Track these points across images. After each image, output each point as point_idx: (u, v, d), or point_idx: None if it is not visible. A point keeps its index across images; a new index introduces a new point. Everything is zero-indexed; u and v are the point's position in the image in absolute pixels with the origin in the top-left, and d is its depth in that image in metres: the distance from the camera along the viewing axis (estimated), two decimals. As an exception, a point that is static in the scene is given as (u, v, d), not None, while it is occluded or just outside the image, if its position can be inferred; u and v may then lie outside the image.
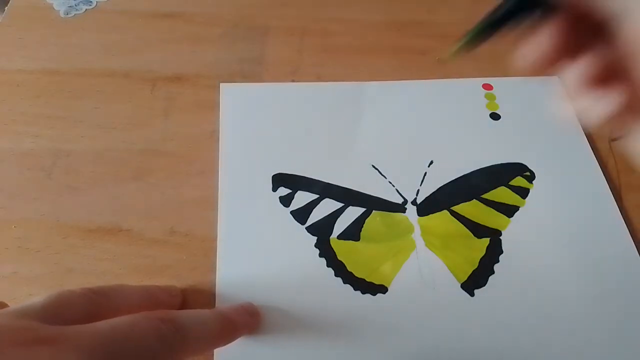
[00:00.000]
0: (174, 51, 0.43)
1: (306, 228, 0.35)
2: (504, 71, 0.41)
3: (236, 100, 0.40)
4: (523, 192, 0.37)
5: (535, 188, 0.37)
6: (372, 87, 0.41)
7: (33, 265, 0.33)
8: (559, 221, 0.35)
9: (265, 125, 0.39)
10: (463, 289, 0.33)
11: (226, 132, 0.38)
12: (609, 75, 0.20)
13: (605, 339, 0.31)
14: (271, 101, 0.40)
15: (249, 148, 0.38)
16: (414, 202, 0.36)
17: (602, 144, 0.39)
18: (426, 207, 0.36)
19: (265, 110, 0.40)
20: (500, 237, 0.34)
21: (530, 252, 0.34)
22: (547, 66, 0.21)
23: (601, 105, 0.20)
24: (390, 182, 0.36)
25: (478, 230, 0.35)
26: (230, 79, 0.41)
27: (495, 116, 0.40)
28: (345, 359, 0.30)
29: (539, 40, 0.20)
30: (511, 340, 0.31)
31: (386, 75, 0.41)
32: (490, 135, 0.39)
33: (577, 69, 0.20)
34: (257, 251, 0.33)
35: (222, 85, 0.41)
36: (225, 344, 0.28)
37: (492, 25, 0.21)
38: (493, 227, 0.35)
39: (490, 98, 0.41)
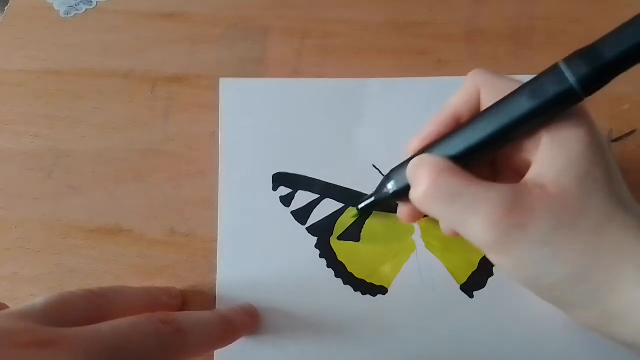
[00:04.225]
0: (174, 51, 0.43)
1: (307, 229, 0.35)
2: (504, 70, 0.41)
3: (236, 95, 0.40)
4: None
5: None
6: (375, 84, 0.41)
7: (33, 265, 0.33)
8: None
9: (266, 122, 0.39)
10: (462, 290, 0.33)
11: (226, 128, 0.38)
12: None
13: (605, 341, 0.31)
14: (271, 96, 0.40)
15: (249, 146, 0.38)
16: (414, 203, 0.36)
17: (602, 145, 0.39)
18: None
19: (265, 106, 0.40)
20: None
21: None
22: (416, 219, 0.31)
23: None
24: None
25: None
26: (231, 79, 0.41)
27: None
28: (345, 359, 0.30)
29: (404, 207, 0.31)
30: (510, 342, 0.31)
31: (386, 75, 0.41)
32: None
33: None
34: (258, 252, 0.34)
35: (222, 80, 0.41)
36: (225, 346, 0.28)
37: (368, 209, 0.33)
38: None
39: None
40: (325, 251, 0.34)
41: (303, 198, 0.36)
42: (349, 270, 0.33)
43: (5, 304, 0.25)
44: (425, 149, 0.28)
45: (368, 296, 0.32)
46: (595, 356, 0.31)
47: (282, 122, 0.39)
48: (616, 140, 0.39)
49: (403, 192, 0.28)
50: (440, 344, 0.31)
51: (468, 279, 0.33)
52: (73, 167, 0.37)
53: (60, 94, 0.40)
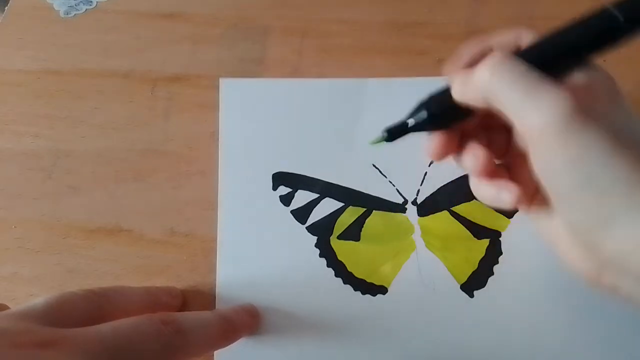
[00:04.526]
0: (174, 51, 0.43)
1: (306, 228, 0.35)
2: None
3: (236, 95, 0.40)
4: (523, 193, 0.37)
5: (535, 188, 0.37)
6: (374, 84, 0.41)
7: (33, 265, 0.33)
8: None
9: (266, 121, 0.39)
10: (462, 290, 0.33)
11: (226, 128, 0.38)
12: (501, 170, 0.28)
13: (605, 340, 0.31)
14: (271, 96, 0.40)
15: (249, 146, 0.38)
16: (414, 202, 0.36)
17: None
18: (426, 208, 0.36)
19: (265, 106, 0.40)
20: (500, 239, 0.34)
21: (530, 253, 0.34)
22: (443, 156, 0.28)
23: (504, 196, 0.26)
24: (391, 182, 0.36)
25: (478, 231, 0.35)
26: (231, 79, 0.41)
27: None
28: (345, 359, 0.30)
29: (435, 140, 0.28)
30: (510, 341, 0.31)
31: (386, 75, 0.41)
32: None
33: (471, 160, 0.27)
34: (257, 251, 0.34)
35: (222, 79, 0.41)
36: (225, 345, 0.28)
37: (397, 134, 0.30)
38: (493, 228, 0.35)
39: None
40: (325, 250, 0.34)
41: (303, 197, 0.36)
42: (349, 269, 0.33)
43: (5, 305, 0.25)
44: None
45: (368, 296, 0.32)
46: (594, 356, 0.31)
47: (281, 122, 0.39)
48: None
49: (440, 120, 0.27)
50: (440, 343, 0.31)
51: (468, 278, 0.33)
52: (73, 167, 0.37)
53: (60, 94, 0.40)
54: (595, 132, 0.22)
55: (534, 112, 0.23)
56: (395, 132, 0.30)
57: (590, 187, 0.22)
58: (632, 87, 0.40)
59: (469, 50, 0.27)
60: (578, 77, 0.25)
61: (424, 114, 0.28)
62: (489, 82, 0.24)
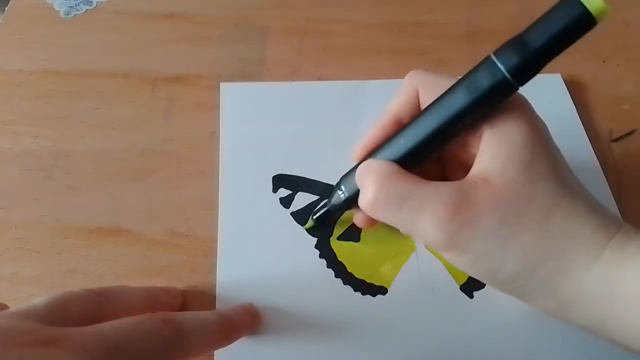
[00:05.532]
0: (174, 51, 0.43)
1: (306, 229, 0.35)
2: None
3: (236, 99, 0.40)
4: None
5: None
6: (373, 86, 0.41)
7: (33, 265, 0.33)
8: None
9: (266, 125, 0.39)
10: (462, 290, 0.33)
11: (226, 132, 0.38)
12: None
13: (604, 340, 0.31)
14: (271, 100, 0.40)
15: (250, 149, 0.38)
16: (413, 203, 0.36)
17: (602, 144, 0.39)
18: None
19: (265, 109, 0.40)
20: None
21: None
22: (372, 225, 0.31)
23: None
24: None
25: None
26: (231, 79, 0.41)
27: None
28: (345, 359, 0.30)
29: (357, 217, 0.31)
30: (510, 342, 0.31)
31: (386, 75, 0.41)
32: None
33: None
34: (258, 252, 0.33)
35: (222, 84, 0.41)
36: (226, 345, 0.28)
37: (324, 218, 0.33)
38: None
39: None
40: (325, 251, 0.34)
41: (303, 199, 0.36)
42: (349, 270, 0.33)
43: (5, 305, 0.25)
44: (370, 154, 0.28)
45: (368, 296, 0.32)
46: (594, 356, 0.31)
47: (282, 125, 0.39)
48: (616, 140, 0.39)
49: (355, 199, 0.28)
50: (440, 344, 0.31)
51: (468, 279, 0.33)
52: (73, 167, 0.37)
53: (60, 94, 0.40)
54: (482, 230, 0.23)
55: (422, 235, 0.24)
56: (323, 218, 0.33)
57: (495, 279, 0.24)
58: (632, 88, 0.40)
59: (373, 131, 0.28)
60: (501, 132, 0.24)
61: (340, 199, 0.30)
62: (371, 212, 0.25)
